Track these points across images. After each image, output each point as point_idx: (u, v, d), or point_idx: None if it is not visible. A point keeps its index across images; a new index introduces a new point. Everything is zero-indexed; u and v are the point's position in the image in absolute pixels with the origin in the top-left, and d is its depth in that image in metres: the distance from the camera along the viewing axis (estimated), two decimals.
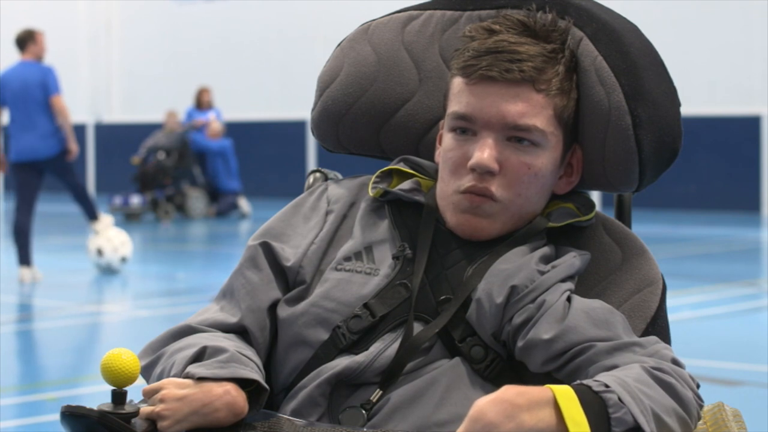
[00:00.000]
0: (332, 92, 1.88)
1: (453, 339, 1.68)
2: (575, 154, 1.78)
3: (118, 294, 8.94)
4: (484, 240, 1.73)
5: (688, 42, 14.06)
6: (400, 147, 1.87)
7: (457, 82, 1.74)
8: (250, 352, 1.69)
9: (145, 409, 1.57)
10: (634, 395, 1.50)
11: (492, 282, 1.68)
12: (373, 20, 1.92)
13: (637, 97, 1.73)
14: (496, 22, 1.74)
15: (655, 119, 1.74)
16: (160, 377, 1.68)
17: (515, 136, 1.71)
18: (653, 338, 1.65)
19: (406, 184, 1.80)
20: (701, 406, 1.61)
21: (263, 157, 17.37)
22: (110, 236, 9.42)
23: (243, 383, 1.60)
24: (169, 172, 14.84)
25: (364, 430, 1.62)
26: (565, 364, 1.63)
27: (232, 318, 1.75)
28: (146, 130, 16.55)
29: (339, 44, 1.92)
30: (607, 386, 1.49)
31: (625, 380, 1.52)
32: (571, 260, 1.72)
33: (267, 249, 1.79)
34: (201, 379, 1.59)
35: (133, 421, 1.55)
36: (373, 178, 1.83)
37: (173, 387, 1.59)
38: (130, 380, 1.56)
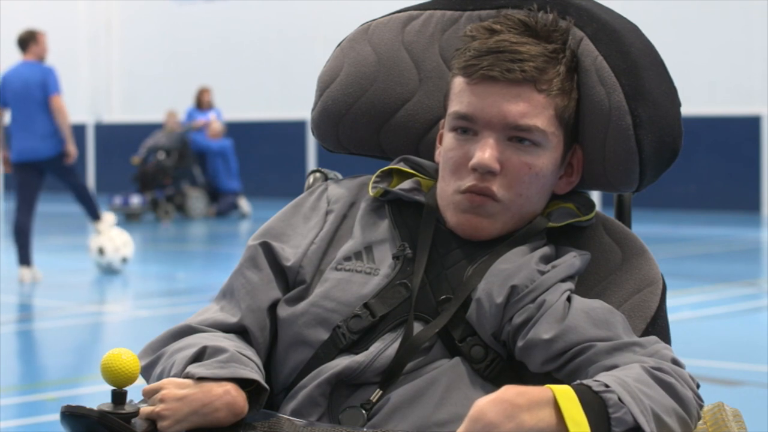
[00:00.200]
0: (332, 92, 1.88)
1: (453, 339, 1.68)
2: (575, 154, 1.78)
3: (118, 294, 8.94)
4: (484, 240, 1.73)
5: (689, 42, 14.06)
6: (400, 147, 1.87)
7: (458, 82, 1.74)
8: (250, 352, 1.69)
9: (145, 409, 1.57)
10: (634, 395, 1.50)
11: (492, 282, 1.68)
12: (373, 20, 1.92)
13: (638, 97, 1.73)
14: (498, 22, 1.74)
15: (656, 119, 1.74)
16: (160, 377, 1.68)
17: (516, 136, 1.71)
18: (653, 338, 1.65)
19: (407, 184, 1.80)
20: (701, 406, 1.61)
21: (263, 157, 17.37)
22: (112, 236, 9.42)
23: (243, 383, 1.60)
24: (169, 172, 14.84)
25: (364, 430, 1.62)
26: (565, 364, 1.63)
27: (232, 318, 1.75)
28: (146, 130, 16.55)
29: (339, 44, 1.92)
30: (607, 386, 1.49)
31: (625, 380, 1.52)
32: (571, 260, 1.72)
33: (267, 249, 1.79)
34: (201, 379, 1.59)
35: (133, 421, 1.55)
36: (374, 177, 1.83)
37: (173, 387, 1.59)
38: (130, 380, 1.56)
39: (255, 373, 1.62)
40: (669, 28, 13.78)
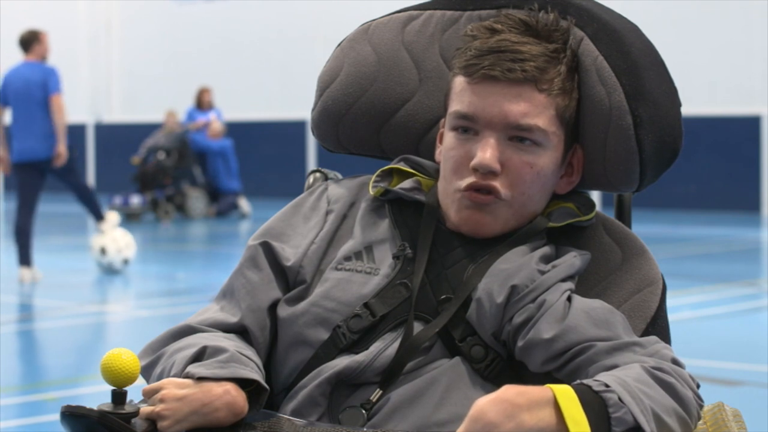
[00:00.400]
0: (332, 92, 1.88)
1: (453, 338, 1.68)
2: (576, 153, 1.78)
3: (118, 294, 8.94)
4: (485, 238, 1.73)
5: (689, 42, 14.06)
6: (400, 147, 1.87)
7: (459, 81, 1.74)
8: (250, 352, 1.69)
9: (145, 409, 1.57)
10: (634, 395, 1.50)
11: (492, 281, 1.68)
12: (373, 20, 1.92)
13: (638, 97, 1.73)
14: (498, 22, 1.74)
15: (656, 119, 1.74)
16: (160, 377, 1.68)
17: (517, 135, 1.71)
18: (653, 338, 1.65)
19: (407, 183, 1.80)
20: (701, 406, 1.61)
21: (263, 157, 17.37)
22: (116, 236, 9.41)
23: (243, 383, 1.60)
24: (169, 172, 14.84)
25: (364, 430, 1.62)
26: (566, 363, 1.63)
27: (232, 318, 1.75)
28: (146, 130, 16.55)
29: (339, 44, 1.92)
30: (607, 386, 1.49)
31: (625, 380, 1.52)
32: (572, 260, 1.72)
33: (267, 249, 1.79)
34: (201, 378, 1.59)
35: (133, 421, 1.55)
36: (374, 177, 1.83)
37: (173, 387, 1.59)
38: (130, 380, 1.56)
39: (255, 373, 1.62)
40: (669, 28, 13.78)
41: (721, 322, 7.05)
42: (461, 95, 1.73)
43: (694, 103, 12.99)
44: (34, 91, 8.97)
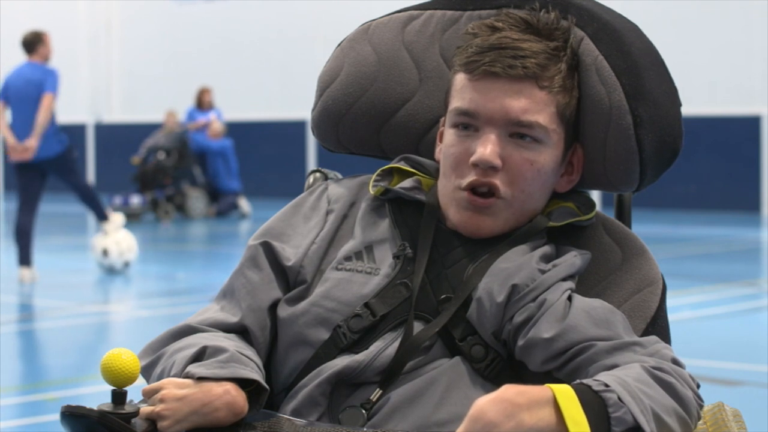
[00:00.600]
0: (332, 92, 1.88)
1: (453, 338, 1.68)
2: (576, 152, 1.78)
3: (118, 294, 8.94)
4: (485, 237, 1.73)
5: (689, 42, 14.06)
6: (401, 147, 1.87)
7: (460, 78, 1.74)
8: (250, 351, 1.69)
9: (145, 409, 1.57)
10: (634, 395, 1.50)
11: (493, 281, 1.68)
12: (374, 20, 1.92)
13: (638, 97, 1.73)
14: (499, 20, 1.74)
15: (656, 119, 1.74)
16: (160, 377, 1.68)
17: (518, 132, 1.71)
18: (653, 338, 1.65)
19: (407, 183, 1.80)
20: (701, 406, 1.61)
21: (263, 157, 17.36)
22: (119, 239, 9.38)
23: (243, 383, 1.60)
24: (169, 172, 14.84)
25: (364, 429, 1.62)
26: (566, 363, 1.63)
27: (232, 318, 1.75)
28: (146, 130, 16.55)
29: (339, 44, 1.92)
30: (607, 386, 1.49)
31: (625, 380, 1.52)
32: (572, 259, 1.72)
33: (267, 249, 1.79)
34: (201, 378, 1.59)
35: (133, 421, 1.55)
36: (374, 176, 1.83)
37: (173, 387, 1.59)
38: (130, 380, 1.56)
39: (255, 373, 1.62)
40: (669, 28, 13.78)
41: (721, 322, 7.04)
42: (462, 92, 1.73)
43: (694, 103, 12.99)
44: (33, 92, 8.97)
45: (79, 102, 19.03)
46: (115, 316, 7.98)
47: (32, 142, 8.83)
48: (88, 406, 1.53)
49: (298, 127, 16.98)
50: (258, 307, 1.75)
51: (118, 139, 19.04)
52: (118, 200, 14.56)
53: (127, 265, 9.42)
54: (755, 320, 7.14)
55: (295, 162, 16.98)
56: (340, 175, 1.97)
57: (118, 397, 1.55)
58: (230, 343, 1.68)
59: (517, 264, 1.70)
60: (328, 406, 1.67)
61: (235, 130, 16.61)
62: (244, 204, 15.34)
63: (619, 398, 1.48)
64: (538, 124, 1.70)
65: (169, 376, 1.65)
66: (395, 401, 1.65)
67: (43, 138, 8.91)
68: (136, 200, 14.57)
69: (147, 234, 13.15)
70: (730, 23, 14.14)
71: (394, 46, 1.88)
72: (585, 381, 1.51)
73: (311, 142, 16.78)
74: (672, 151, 1.77)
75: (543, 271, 1.69)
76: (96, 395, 5.13)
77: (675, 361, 1.61)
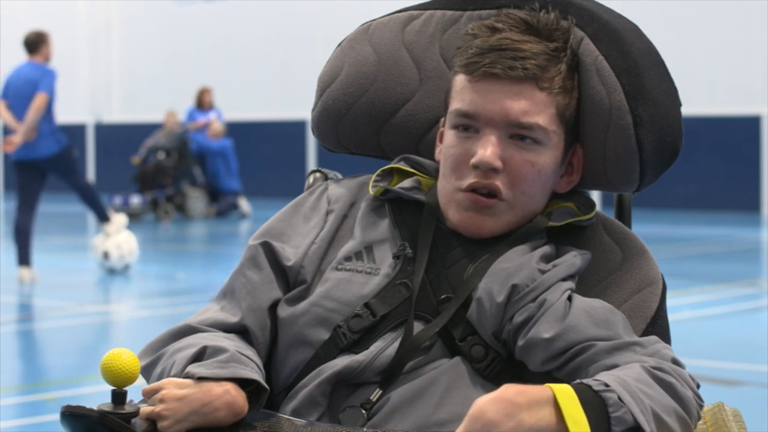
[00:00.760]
0: (332, 92, 1.88)
1: (453, 338, 1.68)
2: (576, 153, 1.78)
3: (118, 294, 8.94)
4: (485, 238, 1.73)
5: (689, 42, 14.06)
6: (401, 147, 1.87)
7: (460, 80, 1.74)
8: (250, 351, 1.69)
9: (145, 409, 1.57)
10: (634, 395, 1.50)
11: (493, 281, 1.68)
12: (374, 20, 1.92)
13: (638, 97, 1.73)
14: (499, 20, 1.74)
15: (656, 119, 1.74)
16: (160, 377, 1.68)
17: (518, 133, 1.71)
18: (653, 338, 1.65)
19: (407, 183, 1.80)
20: (701, 406, 1.61)
21: (263, 157, 17.37)
22: (120, 242, 9.35)
23: (243, 383, 1.60)
24: (169, 172, 14.84)
25: (364, 429, 1.62)
26: (566, 363, 1.63)
27: (232, 318, 1.75)
28: (146, 130, 16.55)
29: (339, 44, 1.92)
30: (607, 385, 1.49)
31: (625, 380, 1.52)
32: (572, 259, 1.72)
33: (268, 249, 1.79)
34: (201, 378, 1.59)
35: (133, 421, 1.55)
36: (374, 176, 1.83)
37: (173, 387, 1.59)
38: (130, 380, 1.56)
39: (255, 373, 1.62)
40: (669, 28, 13.78)
41: (721, 322, 7.04)
42: (462, 93, 1.73)
43: (694, 103, 12.99)
44: (31, 91, 8.97)
45: (79, 102, 19.03)
46: (115, 316, 7.98)
47: (17, 138, 8.82)
48: (88, 406, 1.53)
49: (298, 127, 16.98)
50: (258, 307, 1.75)
51: (118, 139, 19.04)
52: (118, 200, 14.56)
53: (127, 267, 9.42)
54: (755, 320, 7.14)
55: (295, 162, 16.98)
56: (340, 175, 1.97)
57: (118, 397, 1.55)
58: (230, 343, 1.68)
59: (517, 264, 1.70)
60: (328, 406, 1.67)
61: (235, 130, 16.61)
62: (244, 204, 15.34)
63: (619, 398, 1.48)
64: (538, 125, 1.70)
65: (169, 376, 1.65)
66: (395, 401, 1.65)
67: (41, 137, 8.90)
68: (136, 200, 14.57)
69: (147, 234, 13.15)
70: (730, 23, 14.14)
71: (394, 46, 1.88)
72: (585, 381, 1.51)
73: (311, 142, 16.79)
74: (672, 151, 1.77)
75: (543, 271, 1.69)
76: (96, 395, 5.13)
77: (675, 361, 1.61)
